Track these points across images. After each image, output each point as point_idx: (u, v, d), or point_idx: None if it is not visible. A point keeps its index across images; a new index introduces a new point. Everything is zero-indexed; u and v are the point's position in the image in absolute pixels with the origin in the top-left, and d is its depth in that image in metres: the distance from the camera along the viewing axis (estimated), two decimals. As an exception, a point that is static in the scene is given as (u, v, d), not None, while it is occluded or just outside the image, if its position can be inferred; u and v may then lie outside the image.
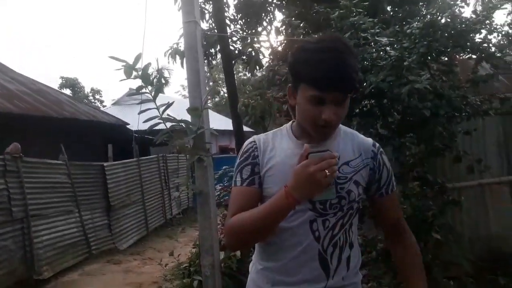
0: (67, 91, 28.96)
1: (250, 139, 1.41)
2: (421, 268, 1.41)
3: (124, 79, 2.83)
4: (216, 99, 33.95)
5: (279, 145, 1.36)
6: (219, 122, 19.19)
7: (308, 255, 1.28)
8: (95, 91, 33.96)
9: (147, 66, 2.90)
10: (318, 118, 1.21)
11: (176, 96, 33.58)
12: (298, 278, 1.29)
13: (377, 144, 1.40)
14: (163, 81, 30.22)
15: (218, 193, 8.25)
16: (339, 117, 1.23)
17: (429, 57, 2.99)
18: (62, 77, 31.64)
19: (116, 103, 21.90)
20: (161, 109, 2.94)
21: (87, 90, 33.69)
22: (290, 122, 1.43)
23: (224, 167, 8.29)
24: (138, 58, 2.80)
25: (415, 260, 1.42)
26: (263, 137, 1.41)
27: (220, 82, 29.99)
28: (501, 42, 3.40)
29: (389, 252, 3.59)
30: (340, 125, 1.38)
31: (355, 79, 1.21)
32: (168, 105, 2.97)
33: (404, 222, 1.45)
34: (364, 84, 2.97)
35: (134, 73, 2.81)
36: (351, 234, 1.34)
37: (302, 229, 1.28)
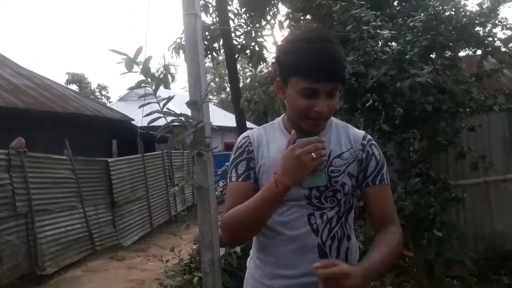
0: (74, 87, 29.04)
1: (244, 134, 1.41)
2: (389, 246, 1.22)
3: (125, 73, 2.81)
4: (222, 96, 33.97)
5: (272, 140, 1.35)
6: (225, 118, 19.17)
7: (307, 248, 1.27)
8: (102, 87, 34.03)
9: (148, 59, 2.87)
10: (310, 111, 1.19)
11: (183, 92, 33.61)
12: (298, 271, 1.28)
13: (368, 136, 1.37)
14: (170, 77, 30.28)
15: (221, 189, 8.23)
16: (331, 109, 1.22)
17: (432, 51, 2.94)
18: (68, 73, 31.76)
19: (122, 99, 21.93)
20: (162, 103, 2.92)
21: (94, 86, 33.78)
22: (282, 115, 1.42)
23: (227, 163, 8.25)
24: (139, 51, 2.77)
25: (387, 239, 1.24)
26: (256, 131, 1.40)
27: (226, 78, 30.00)
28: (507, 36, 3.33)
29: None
30: (332, 118, 1.36)
31: (345, 69, 1.23)
32: (169, 98, 2.94)
33: (395, 219, 1.33)
34: (367, 77, 2.93)
35: (136, 67, 2.79)
36: (347, 226, 1.34)
37: (300, 223, 1.27)
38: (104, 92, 34.09)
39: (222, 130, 17.69)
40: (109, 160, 8.03)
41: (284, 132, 1.35)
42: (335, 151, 1.30)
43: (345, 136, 1.34)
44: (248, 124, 7.32)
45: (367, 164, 1.31)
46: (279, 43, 1.40)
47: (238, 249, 3.60)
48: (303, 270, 1.27)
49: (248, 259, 1.46)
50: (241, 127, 5.93)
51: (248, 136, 1.38)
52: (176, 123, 3.01)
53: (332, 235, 1.28)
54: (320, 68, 1.14)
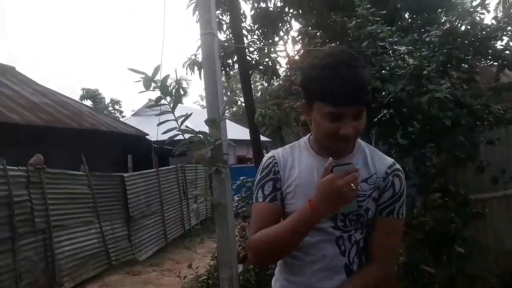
0: (88, 102, 29.35)
1: (269, 154, 1.42)
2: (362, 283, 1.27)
3: (143, 91, 2.86)
4: (234, 109, 34.07)
5: (298, 160, 1.36)
6: (237, 132, 19.25)
7: (335, 268, 1.29)
8: (115, 102, 34.25)
9: (166, 78, 2.92)
10: (336, 133, 1.21)
11: (195, 106, 33.83)
12: None
13: (396, 166, 1.34)
14: (182, 92, 30.51)
15: (236, 203, 8.23)
16: (357, 131, 1.23)
17: (449, 65, 2.94)
18: (83, 89, 32.07)
19: (136, 114, 22.22)
20: (180, 120, 2.96)
21: (107, 101, 34.06)
22: (308, 135, 1.42)
23: (241, 177, 8.28)
24: (157, 70, 2.82)
25: (363, 277, 1.28)
26: (282, 151, 1.41)
27: (237, 92, 30.16)
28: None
29: (411, 267, 3.50)
30: (360, 140, 1.37)
31: (369, 91, 1.23)
32: (187, 116, 2.98)
33: (390, 259, 1.33)
34: (383, 93, 2.94)
35: (153, 84, 2.83)
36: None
37: (328, 244, 1.29)
38: (117, 107, 34.36)
39: (234, 143, 17.74)
40: (125, 175, 8.10)
41: (311, 152, 1.35)
42: (362, 175, 1.28)
43: (371, 160, 1.34)
44: (262, 139, 7.35)
45: (383, 193, 1.31)
46: (295, 58, 1.42)
47: (256, 265, 3.59)
48: None
49: (274, 280, 1.46)
50: (255, 142, 5.95)
51: (273, 157, 1.38)
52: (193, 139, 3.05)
53: (359, 255, 1.31)
54: (343, 94, 1.16)
